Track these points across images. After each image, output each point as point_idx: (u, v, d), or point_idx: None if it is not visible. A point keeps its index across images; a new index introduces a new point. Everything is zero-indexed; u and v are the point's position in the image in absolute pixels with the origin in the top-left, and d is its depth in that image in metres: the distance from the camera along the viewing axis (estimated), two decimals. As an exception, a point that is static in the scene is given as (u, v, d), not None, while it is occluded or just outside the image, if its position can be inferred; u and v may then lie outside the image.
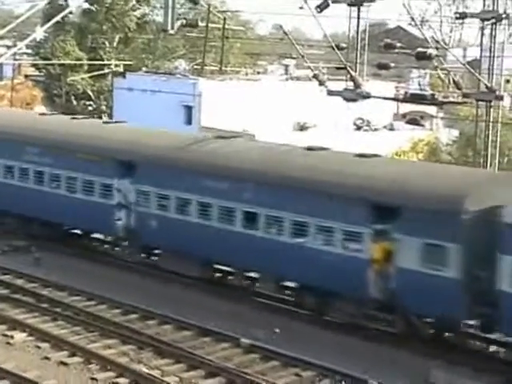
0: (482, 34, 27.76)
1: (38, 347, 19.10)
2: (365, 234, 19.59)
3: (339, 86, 25.85)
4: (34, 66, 59.05)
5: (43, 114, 29.62)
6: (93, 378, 17.49)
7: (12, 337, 19.62)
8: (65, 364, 18.17)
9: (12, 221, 27.92)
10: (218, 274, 23.83)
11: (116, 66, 49.43)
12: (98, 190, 25.29)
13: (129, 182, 24.58)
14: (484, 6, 27.10)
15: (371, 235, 19.53)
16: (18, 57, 55.80)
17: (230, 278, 23.64)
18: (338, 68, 27.83)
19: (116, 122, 28.62)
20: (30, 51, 60.81)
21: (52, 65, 53.53)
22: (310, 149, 22.65)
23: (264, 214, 21.30)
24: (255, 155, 22.76)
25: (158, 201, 23.71)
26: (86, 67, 53.72)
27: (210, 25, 39.48)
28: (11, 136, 27.88)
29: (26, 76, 62.05)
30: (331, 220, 20.10)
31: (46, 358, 18.48)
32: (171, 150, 24.08)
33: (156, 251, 25.03)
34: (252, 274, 23.05)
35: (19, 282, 23.86)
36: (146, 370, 17.69)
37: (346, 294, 20.00)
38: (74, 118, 29.06)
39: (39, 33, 50.84)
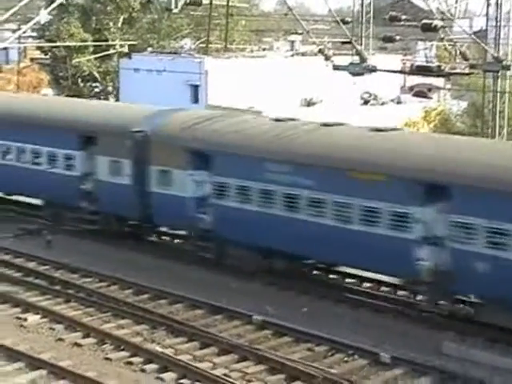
0: (488, 4, 27.63)
1: (52, 329, 19.21)
2: None
3: (345, 60, 25.78)
4: (39, 49, 58.97)
5: (278, 119, 22.87)
6: (107, 358, 17.61)
7: (25, 319, 19.73)
8: (79, 345, 18.28)
9: (238, 252, 22.35)
10: None
11: (121, 46, 49.29)
12: (387, 220, 19.29)
13: (436, 211, 18.77)
14: (489, -25, 26.95)
15: None
16: (23, 40, 55.74)
17: None
18: (343, 42, 27.76)
19: (394, 129, 21.98)
20: (34, 34, 60.70)
21: (57, 47, 53.44)
22: None
23: None
24: None
25: (490, 237, 17.70)
26: (91, 49, 53.64)
27: (213, 2, 39.29)
28: (244, 150, 21.94)
29: (32, 59, 62.03)
30: None
31: (60, 340, 18.59)
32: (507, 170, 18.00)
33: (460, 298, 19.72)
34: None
35: (31, 264, 23.97)
36: (160, 349, 17.80)
37: None
38: (325, 125, 22.06)
39: (43, 15, 50.54)
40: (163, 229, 26.02)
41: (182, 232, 24.81)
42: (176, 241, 26.05)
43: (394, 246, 19.13)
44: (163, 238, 26.44)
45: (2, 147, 28.29)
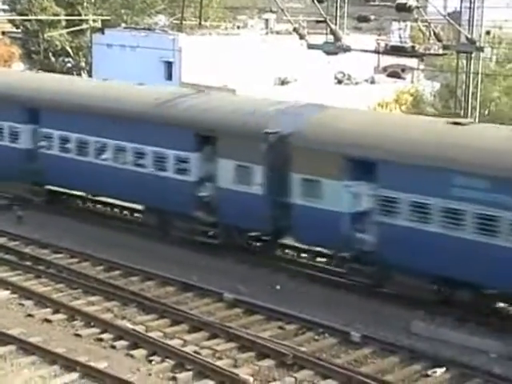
0: (463, -15, 27.62)
1: (22, 305, 19.12)
2: None
3: (320, 39, 25.71)
4: (10, 22, 58.32)
5: (457, 123, 19.57)
6: (77, 335, 17.55)
7: (-5, 295, 19.66)
8: (49, 321, 18.21)
9: (407, 279, 19.06)
10: None
11: (94, 21, 48.84)
12: None
13: None
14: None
15: None
16: (-6, 13, 55.15)
17: None
18: (318, 21, 27.64)
19: None
20: (6, 7, 60.01)
21: (29, 21, 52.87)
22: None
23: None
24: None
25: None
26: (63, 23, 53.11)
27: (188, -22, 39.05)
28: (423, 159, 18.48)
29: (3, 33, 61.32)
30: None
31: (30, 316, 18.50)
32: None
33: None
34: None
35: (2, 240, 23.77)
36: (130, 326, 17.78)
37: None
38: None
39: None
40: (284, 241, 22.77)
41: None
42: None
43: None
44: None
45: (95, 144, 24.72)
